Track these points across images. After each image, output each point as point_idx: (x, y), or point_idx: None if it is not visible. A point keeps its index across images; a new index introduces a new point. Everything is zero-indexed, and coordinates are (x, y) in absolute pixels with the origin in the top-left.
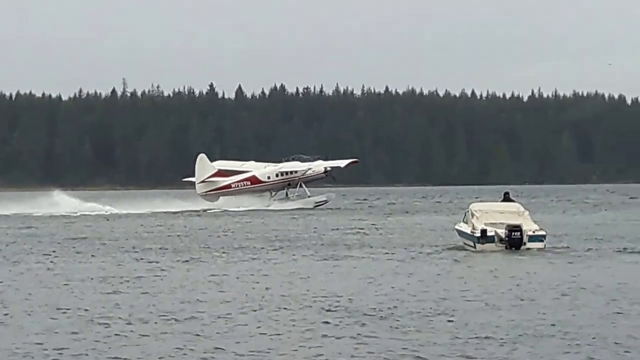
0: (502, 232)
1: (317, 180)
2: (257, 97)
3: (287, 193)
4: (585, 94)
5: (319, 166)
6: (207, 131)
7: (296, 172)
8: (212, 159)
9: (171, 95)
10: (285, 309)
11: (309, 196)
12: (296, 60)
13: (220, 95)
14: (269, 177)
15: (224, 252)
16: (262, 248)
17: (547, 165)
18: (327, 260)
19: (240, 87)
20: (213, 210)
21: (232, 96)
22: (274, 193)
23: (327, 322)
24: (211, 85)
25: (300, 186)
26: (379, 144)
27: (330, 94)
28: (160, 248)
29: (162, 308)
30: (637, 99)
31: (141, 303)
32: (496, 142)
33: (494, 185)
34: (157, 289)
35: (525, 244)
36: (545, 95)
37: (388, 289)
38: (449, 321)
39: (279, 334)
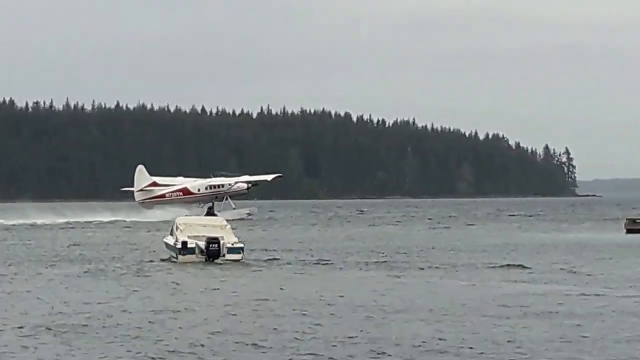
0: (202, 244)
1: (241, 194)
2: None
3: (212, 205)
4: (312, 111)
5: (243, 182)
6: None
7: (223, 186)
8: None
9: None
10: None
11: (234, 209)
12: (25, 75)
13: None
14: (199, 190)
15: None
16: None
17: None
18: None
19: None
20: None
21: None
22: (201, 204)
23: None
24: None
25: (226, 199)
26: (108, 159)
27: (61, 108)
28: None
29: None
30: (362, 116)
31: None
32: (225, 158)
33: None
34: None
35: (224, 255)
36: (274, 112)
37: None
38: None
39: None
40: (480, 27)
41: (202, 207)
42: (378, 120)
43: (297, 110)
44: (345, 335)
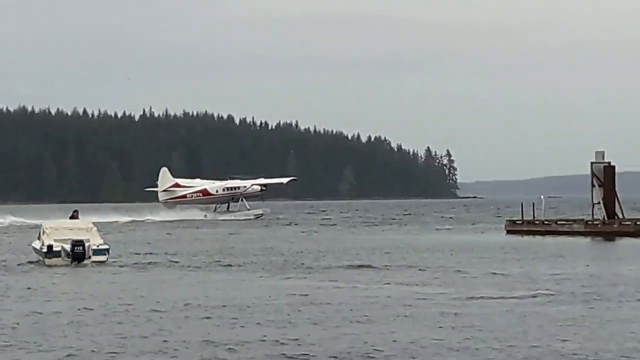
0: (68, 247)
1: (255, 196)
2: None
3: (228, 206)
4: (195, 114)
5: (258, 184)
6: None
7: (239, 188)
8: None
9: None
10: None
11: (248, 209)
12: None
13: None
14: (217, 191)
15: None
16: None
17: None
18: None
19: None
20: None
21: None
22: (219, 205)
23: None
24: None
25: (241, 200)
26: None
27: None
28: None
29: None
30: (244, 119)
31: None
32: (108, 161)
33: (108, 202)
34: None
35: (90, 257)
36: (156, 115)
37: None
38: None
39: None
40: (359, 30)
41: (219, 207)
42: (261, 123)
43: (179, 113)
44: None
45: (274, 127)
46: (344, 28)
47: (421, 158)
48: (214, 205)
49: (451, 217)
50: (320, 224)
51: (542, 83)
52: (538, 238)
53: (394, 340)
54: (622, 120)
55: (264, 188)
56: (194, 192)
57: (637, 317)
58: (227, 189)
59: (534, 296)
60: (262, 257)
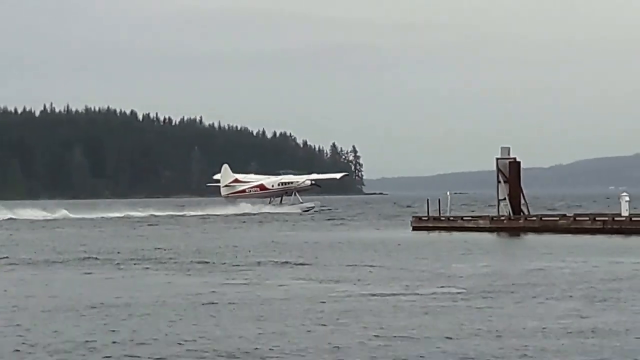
0: None
1: (306, 190)
2: None
3: (281, 200)
4: (97, 109)
5: (310, 180)
6: None
7: (292, 182)
8: None
9: None
10: None
11: (301, 202)
12: None
13: None
14: (273, 186)
15: None
16: None
17: (60, 180)
18: None
19: None
20: None
21: None
22: (273, 199)
23: None
24: None
25: (294, 194)
26: None
27: None
28: None
29: None
30: (148, 114)
31: None
32: (7, 157)
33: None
34: None
35: None
36: (57, 110)
37: None
38: None
39: None
40: (265, 26)
41: (273, 201)
42: (164, 119)
43: (81, 109)
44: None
45: (177, 122)
46: (248, 24)
47: (327, 154)
48: (267, 199)
49: (359, 213)
50: (243, 221)
51: (448, 79)
52: (444, 234)
53: (289, 341)
54: (528, 116)
55: (314, 183)
56: (252, 187)
57: (542, 314)
58: (282, 183)
59: (437, 293)
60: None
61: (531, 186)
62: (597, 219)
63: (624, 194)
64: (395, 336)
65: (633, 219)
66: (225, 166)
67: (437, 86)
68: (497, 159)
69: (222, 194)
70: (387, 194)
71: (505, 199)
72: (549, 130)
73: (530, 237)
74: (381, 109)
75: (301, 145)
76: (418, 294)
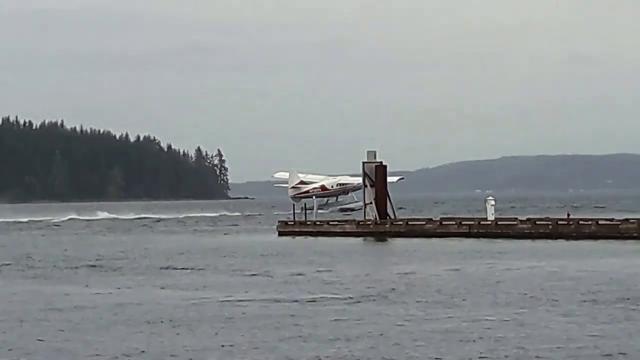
0: None
1: (359, 189)
2: None
3: (337, 198)
4: None
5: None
6: None
7: (348, 184)
8: None
9: None
10: None
11: (356, 201)
12: None
13: None
14: (332, 187)
15: None
16: None
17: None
18: None
19: None
20: None
21: None
22: (330, 197)
23: None
24: None
25: (349, 194)
26: None
27: None
28: None
29: None
30: (8, 118)
31: None
32: None
33: None
34: None
35: None
36: None
37: None
38: None
39: None
40: (130, 28)
41: (330, 199)
42: (25, 122)
43: None
44: None
45: (38, 126)
46: (111, 25)
47: (192, 158)
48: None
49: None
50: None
51: (305, 82)
52: (310, 239)
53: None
54: (395, 120)
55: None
56: (314, 188)
57: (414, 316)
58: (340, 184)
59: (296, 299)
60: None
61: (398, 190)
62: (463, 223)
63: (490, 197)
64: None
65: (498, 222)
66: (292, 169)
67: (296, 90)
68: (364, 162)
69: (289, 194)
70: (252, 198)
71: (371, 203)
72: (416, 134)
73: (397, 242)
74: (247, 112)
75: (165, 149)
76: (278, 301)
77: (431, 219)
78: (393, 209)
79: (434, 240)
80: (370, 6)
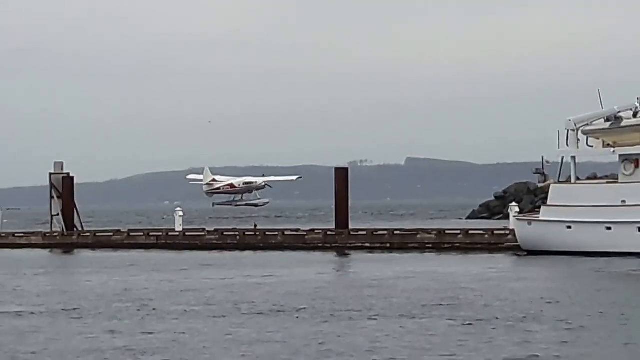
0: None
1: (261, 189)
2: None
3: (242, 197)
4: None
5: (265, 181)
6: None
7: (253, 183)
8: None
9: None
10: None
11: (259, 199)
12: None
13: None
14: (239, 185)
15: None
16: None
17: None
18: None
19: None
20: None
21: None
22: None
23: None
24: None
25: (252, 192)
26: None
27: None
28: None
29: None
30: None
31: None
32: None
33: None
34: None
35: None
36: None
37: None
38: None
39: None
40: None
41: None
42: None
43: None
44: None
45: None
46: None
47: None
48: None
49: None
50: None
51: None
52: None
53: None
54: (83, 132)
55: (267, 184)
56: (224, 185)
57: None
58: (245, 183)
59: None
60: None
61: (87, 202)
62: (151, 234)
63: (178, 209)
64: None
65: (186, 234)
66: (207, 168)
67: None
68: (51, 174)
69: (204, 190)
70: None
71: (58, 214)
72: (104, 146)
73: (85, 253)
74: None
75: None
76: None
77: (119, 230)
78: (80, 220)
79: (122, 251)
80: None
